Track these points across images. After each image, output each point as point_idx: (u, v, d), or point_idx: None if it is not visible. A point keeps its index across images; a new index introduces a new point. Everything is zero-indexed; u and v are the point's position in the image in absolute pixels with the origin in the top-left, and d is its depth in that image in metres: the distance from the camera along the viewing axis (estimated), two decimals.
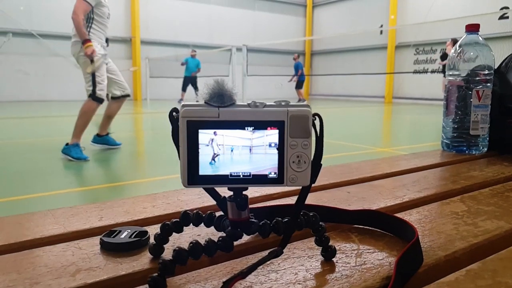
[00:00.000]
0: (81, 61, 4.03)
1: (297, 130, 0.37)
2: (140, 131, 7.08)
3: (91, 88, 4.01)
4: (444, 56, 10.56)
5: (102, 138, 4.52)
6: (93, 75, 3.98)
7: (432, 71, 14.76)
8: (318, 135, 0.39)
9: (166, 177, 3.38)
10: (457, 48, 1.12)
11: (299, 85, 15.91)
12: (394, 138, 6.64)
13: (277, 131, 0.38)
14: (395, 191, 0.74)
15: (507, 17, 12.39)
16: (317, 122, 0.39)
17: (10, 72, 13.90)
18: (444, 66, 10.41)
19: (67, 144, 4.01)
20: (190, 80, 13.93)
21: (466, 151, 1.13)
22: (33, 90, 14.33)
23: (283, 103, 0.38)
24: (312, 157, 0.39)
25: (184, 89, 14.05)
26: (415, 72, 15.26)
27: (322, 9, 20.44)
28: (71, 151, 3.96)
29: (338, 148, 4.75)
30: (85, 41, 3.94)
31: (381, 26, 17.03)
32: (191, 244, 0.37)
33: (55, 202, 2.75)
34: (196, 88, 13.97)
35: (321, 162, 0.40)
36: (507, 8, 12.54)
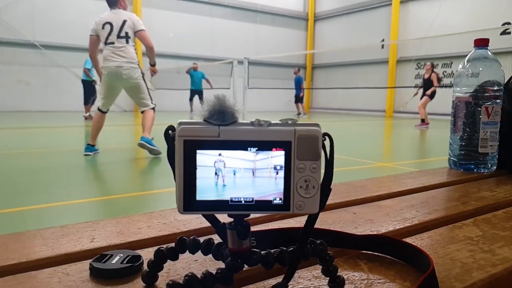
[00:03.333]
0: (141, 82, 4.74)
1: (305, 152, 0.34)
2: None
3: (153, 104, 4.86)
4: (428, 82, 10.33)
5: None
6: (150, 93, 4.84)
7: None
8: (328, 157, 0.36)
9: (166, 190, 3.34)
10: (465, 63, 1.09)
11: (300, 99, 15.90)
12: (396, 153, 6.60)
13: (283, 152, 0.34)
14: (403, 213, 0.71)
15: (509, 33, 12.43)
16: (327, 142, 0.36)
17: (12, 82, 13.93)
18: (425, 89, 10.35)
19: (143, 137, 4.77)
20: (196, 93, 13.96)
21: (475, 170, 1.09)
22: (35, 101, 14.35)
23: (289, 122, 0.34)
24: (320, 182, 0.35)
25: (191, 99, 14.11)
26: (416, 86, 15.30)
27: (324, 23, 20.56)
28: (152, 143, 4.75)
29: (340, 162, 4.71)
30: (155, 64, 4.99)
31: (383, 40, 17.11)
32: (186, 277, 0.34)
33: (60, 213, 2.71)
34: (202, 99, 14.02)
35: (331, 187, 0.37)
36: (509, 23, 12.60)
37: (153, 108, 4.89)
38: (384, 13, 17.30)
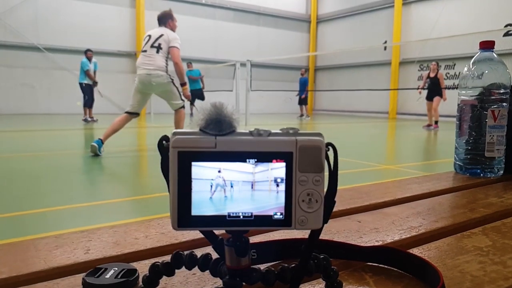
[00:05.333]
0: (171, 87, 5.10)
1: (307, 164, 0.32)
2: (143, 145, 7.05)
3: (182, 101, 5.26)
4: (434, 81, 10.24)
5: None
6: (180, 93, 5.22)
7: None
8: (332, 168, 0.34)
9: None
10: (471, 65, 1.07)
11: (304, 101, 15.77)
12: (399, 155, 6.56)
13: (284, 164, 0.32)
14: (409, 221, 0.68)
15: None
16: (330, 153, 0.33)
17: (16, 85, 13.97)
18: (430, 88, 10.31)
19: None
20: (196, 94, 13.87)
21: (481, 174, 1.07)
22: (38, 103, 14.38)
23: (291, 131, 0.32)
24: (324, 195, 0.33)
25: (192, 102, 14.03)
26: (419, 88, 15.29)
27: (326, 25, 20.54)
28: None
29: (343, 164, 4.68)
30: (185, 84, 5.27)
31: (385, 42, 17.07)
32: None
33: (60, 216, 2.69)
34: (202, 99, 13.92)
35: (335, 199, 0.35)
36: (511, 25, 12.55)
37: (183, 106, 5.30)
38: (387, 15, 17.27)
